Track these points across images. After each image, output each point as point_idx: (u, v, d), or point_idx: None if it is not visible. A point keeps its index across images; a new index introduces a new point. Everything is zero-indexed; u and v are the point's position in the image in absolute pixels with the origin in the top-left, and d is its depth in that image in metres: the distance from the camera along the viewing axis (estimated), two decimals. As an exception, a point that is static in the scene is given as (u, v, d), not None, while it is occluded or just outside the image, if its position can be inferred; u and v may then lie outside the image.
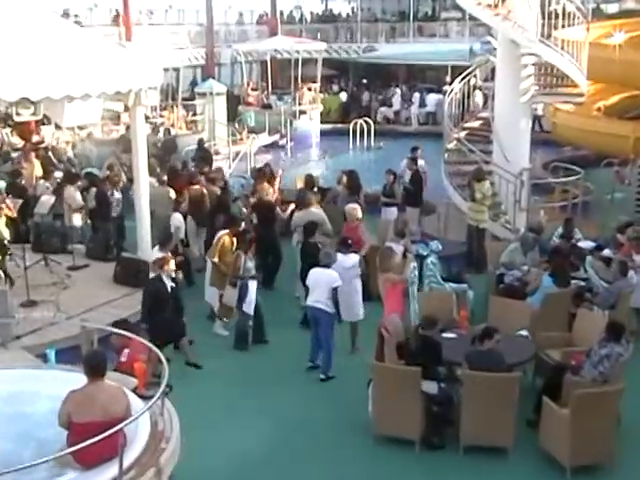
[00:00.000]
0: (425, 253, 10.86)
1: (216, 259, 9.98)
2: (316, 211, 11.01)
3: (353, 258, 9.39)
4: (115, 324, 7.80)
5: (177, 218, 11.66)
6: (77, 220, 12.62)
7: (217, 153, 19.95)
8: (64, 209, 12.58)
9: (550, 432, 7.09)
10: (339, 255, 9.23)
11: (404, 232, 10.70)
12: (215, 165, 16.45)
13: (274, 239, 11.73)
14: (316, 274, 8.84)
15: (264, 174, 13.16)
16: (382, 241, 11.49)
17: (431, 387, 7.28)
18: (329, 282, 8.68)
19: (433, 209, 14.20)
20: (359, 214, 10.99)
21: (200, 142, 18.21)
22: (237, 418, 8.01)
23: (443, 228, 13.50)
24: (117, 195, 12.84)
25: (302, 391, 8.64)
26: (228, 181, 13.20)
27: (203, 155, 17.13)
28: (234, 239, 10.00)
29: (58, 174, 14.30)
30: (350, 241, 9.58)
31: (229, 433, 7.68)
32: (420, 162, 14.09)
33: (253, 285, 9.55)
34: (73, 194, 12.59)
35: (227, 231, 10.21)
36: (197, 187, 12.61)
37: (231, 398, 8.45)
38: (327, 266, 8.81)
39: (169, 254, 9.21)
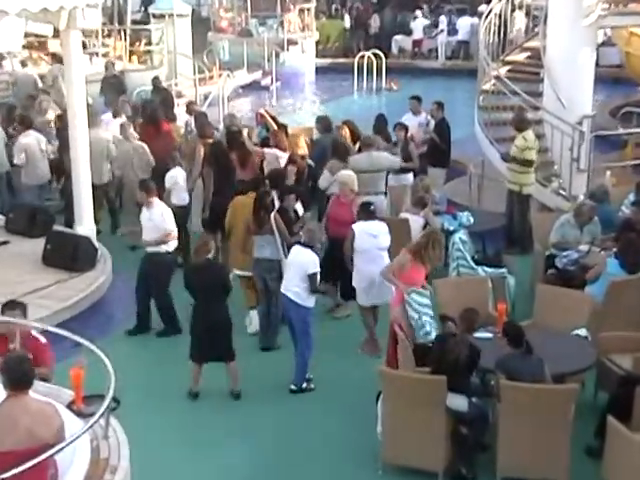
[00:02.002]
0: (452, 228, 10.90)
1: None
2: (379, 154, 11.48)
3: (377, 225, 9.48)
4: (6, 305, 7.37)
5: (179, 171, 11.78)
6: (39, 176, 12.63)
7: (179, 96, 19.88)
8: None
9: (617, 463, 7.10)
10: (361, 222, 9.40)
11: (425, 201, 10.70)
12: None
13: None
14: (293, 252, 8.97)
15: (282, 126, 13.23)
16: (397, 212, 11.51)
17: (460, 402, 7.30)
18: (304, 265, 8.72)
19: (462, 170, 14.19)
20: (355, 185, 10.51)
21: (155, 81, 18.06)
22: (212, 442, 8.02)
23: (476, 195, 13.51)
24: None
25: (292, 407, 8.67)
26: (241, 129, 13.00)
27: (162, 99, 16.96)
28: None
29: None
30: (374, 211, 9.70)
31: (201, 462, 7.69)
32: (422, 115, 13.88)
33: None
34: (34, 139, 12.59)
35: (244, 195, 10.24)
36: (211, 141, 12.46)
37: (204, 417, 8.47)
38: (307, 245, 8.87)
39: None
